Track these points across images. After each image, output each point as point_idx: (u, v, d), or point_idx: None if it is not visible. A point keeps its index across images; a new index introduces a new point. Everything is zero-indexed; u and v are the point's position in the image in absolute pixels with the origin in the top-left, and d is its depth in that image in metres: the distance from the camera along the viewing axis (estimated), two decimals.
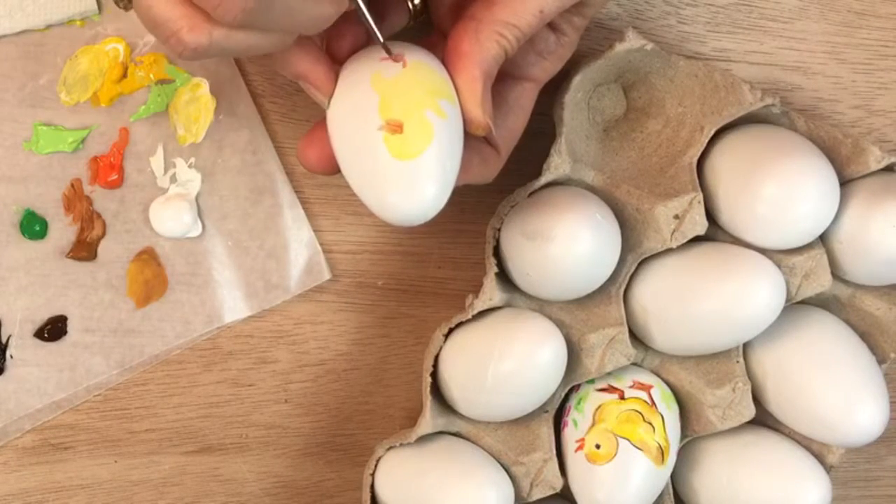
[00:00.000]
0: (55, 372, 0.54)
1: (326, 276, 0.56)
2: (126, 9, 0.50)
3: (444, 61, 0.44)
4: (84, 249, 0.53)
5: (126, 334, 0.54)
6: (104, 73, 0.52)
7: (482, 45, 0.44)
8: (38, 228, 0.53)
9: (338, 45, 0.45)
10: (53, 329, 0.53)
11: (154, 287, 0.54)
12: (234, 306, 0.55)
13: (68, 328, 0.54)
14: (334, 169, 0.45)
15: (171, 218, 0.53)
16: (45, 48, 0.51)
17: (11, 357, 0.53)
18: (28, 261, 0.53)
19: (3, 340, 0.53)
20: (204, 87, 0.53)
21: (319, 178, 0.55)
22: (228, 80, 0.53)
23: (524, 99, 0.48)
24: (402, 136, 0.42)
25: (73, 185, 0.53)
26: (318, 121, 0.46)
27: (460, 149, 0.43)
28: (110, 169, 0.53)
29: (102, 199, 0.53)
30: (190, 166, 0.54)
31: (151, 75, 0.53)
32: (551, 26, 0.47)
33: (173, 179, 0.54)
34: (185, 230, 0.54)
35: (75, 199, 0.53)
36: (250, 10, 0.38)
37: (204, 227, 0.54)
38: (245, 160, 0.54)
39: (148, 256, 0.54)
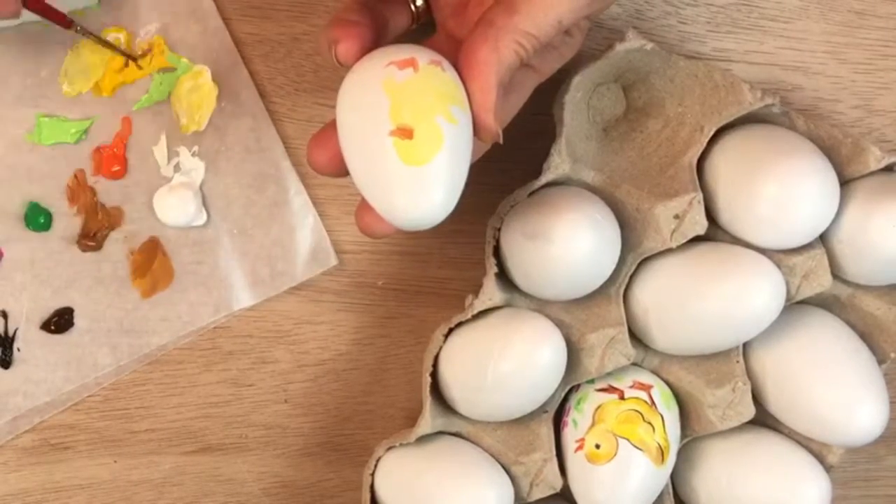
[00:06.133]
0: (63, 364, 0.54)
1: (333, 261, 0.56)
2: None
3: (459, 66, 0.44)
4: (89, 240, 0.53)
5: (133, 325, 0.54)
6: (105, 63, 0.52)
7: (500, 53, 0.43)
8: (42, 220, 0.53)
9: (347, 48, 0.45)
10: (60, 321, 0.53)
11: (160, 277, 0.54)
12: (240, 294, 0.55)
13: (75, 320, 0.54)
14: (344, 171, 0.44)
15: (176, 207, 0.53)
16: (47, 40, 0.51)
17: (19, 350, 0.53)
18: (33, 253, 0.53)
19: (10, 333, 0.53)
20: (206, 74, 0.53)
21: (319, 178, 0.55)
22: (230, 67, 0.53)
23: (525, 83, 0.48)
24: (412, 141, 0.41)
25: (76, 176, 0.53)
26: (327, 122, 0.46)
27: (469, 154, 0.43)
28: (113, 159, 0.53)
29: (106, 189, 0.53)
30: (193, 155, 0.54)
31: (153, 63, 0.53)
32: None
33: (177, 168, 0.54)
34: (189, 219, 0.54)
35: (79, 191, 0.53)
36: None
37: (209, 215, 0.54)
38: (249, 147, 0.54)
39: (153, 246, 0.54)
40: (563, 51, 0.49)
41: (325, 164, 0.46)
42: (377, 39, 0.46)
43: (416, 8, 0.49)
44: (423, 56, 0.44)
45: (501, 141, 0.44)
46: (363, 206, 0.44)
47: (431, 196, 0.41)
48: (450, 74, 0.44)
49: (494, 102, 0.43)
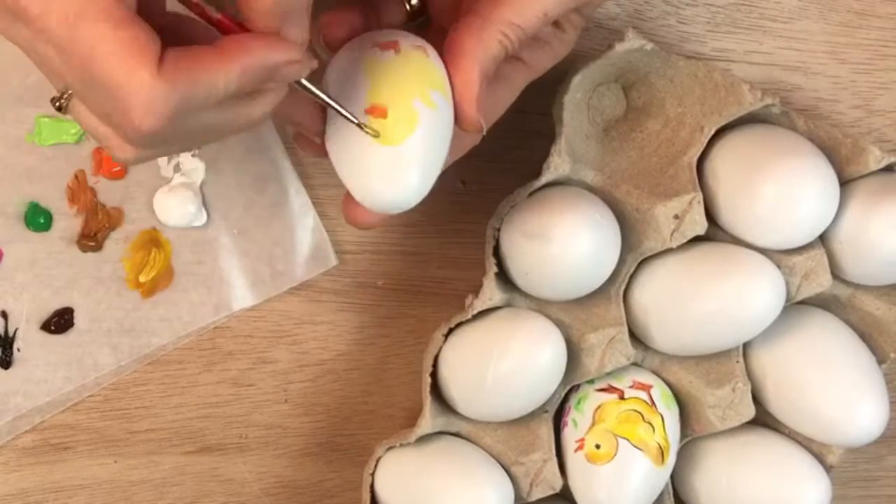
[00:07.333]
0: (63, 364, 0.54)
1: (333, 261, 0.56)
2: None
3: (443, 55, 0.44)
4: (89, 240, 0.53)
5: (133, 325, 0.54)
6: None
7: (484, 43, 0.43)
8: (42, 221, 0.53)
9: (333, 33, 0.45)
10: (60, 321, 0.53)
11: (160, 277, 0.54)
12: (241, 294, 0.55)
13: (75, 320, 0.54)
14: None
15: (176, 207, 0.53)
16: None
17: (19, 350, 0.53)
18: (33, 253, 0.53)
19: (10, 333, 0.53)
20: None
21: (319, 178, 0.55)
22: None
23: (515, 78, 0.48)
24: (385, 121, 0.42)
25: (76, 177, 0.53)
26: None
27: (448, 141, 0.43)
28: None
29: (106, 189, 0.53)
30: (193, 155, 0.54)
31: None
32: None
33: (177, 169, 0.54)
34: (189, 220, 0.54)
35: (79, 191, 0.53)
36: (138, 157, 0.38)
37: (209, 216, 0.54)
38: (249, 147, 0.54)
39: (152, 244, 0.54)
40: (556, 47, 0.48)
41: (314, 147, 0.46)
42: (367, 31, 0.46)
43: (411, 6, 0.49)
44: (406, 40, 0.44)
45: (485, 132, 0.44)
46: (349, 197, 0.45)
47: (404, 178, 0.41)
48: (434, 61, 0.44)
49: (477, 92, 0.43)
